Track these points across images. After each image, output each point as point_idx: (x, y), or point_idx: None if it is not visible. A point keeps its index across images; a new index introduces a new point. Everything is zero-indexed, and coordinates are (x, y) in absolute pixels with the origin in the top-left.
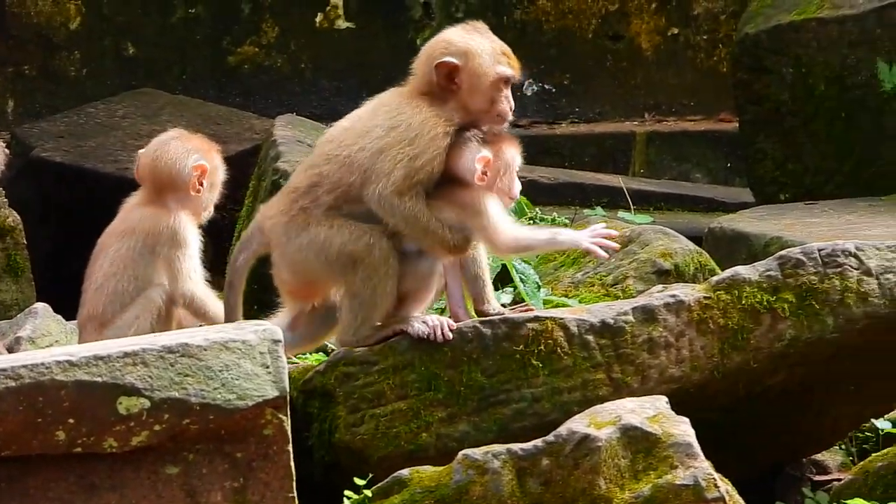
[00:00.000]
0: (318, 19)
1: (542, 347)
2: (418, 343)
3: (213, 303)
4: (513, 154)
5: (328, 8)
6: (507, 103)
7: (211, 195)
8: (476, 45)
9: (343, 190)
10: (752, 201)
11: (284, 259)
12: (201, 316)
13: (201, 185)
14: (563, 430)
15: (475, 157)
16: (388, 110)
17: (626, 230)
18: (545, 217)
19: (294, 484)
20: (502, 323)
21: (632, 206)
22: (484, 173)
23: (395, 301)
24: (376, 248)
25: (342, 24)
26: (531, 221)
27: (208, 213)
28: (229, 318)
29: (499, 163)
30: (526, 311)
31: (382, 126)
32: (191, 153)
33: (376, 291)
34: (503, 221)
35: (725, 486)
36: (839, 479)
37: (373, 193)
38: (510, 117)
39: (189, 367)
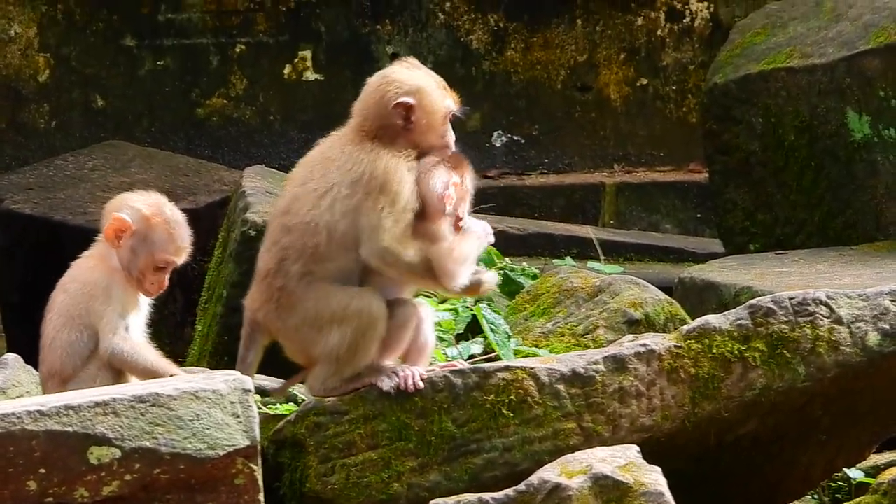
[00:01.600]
0: (286, 71)
1: (513, 397)
2: (389, 393)
3: (145, 356)
4: (471, 180)
5: (296, 60)
6: (451, 135)
7: (134, 258)
8: (425, 82)
9: (310, 253)
10: (722, 252)
11: (287, 340)
12: (133, 371)
13: (118, 240)
14: (534, 479)
15: (447, 182)
16: (342, 164)
17: (597, 280)
18: (515, 267)
19: None
20: (473, 373)
21: (602, 257)
22: (451, 198)
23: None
24: (365, 313)
25: (310, 75)
26: (501, 272)
27: (145, 284)
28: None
29: (462, 188)
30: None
31: (343, 182)
32: (122, 207)
33: (357, 352)
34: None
35: None
36: None
37: (371, 250)
38: (453, 148)
39: (160, 417)
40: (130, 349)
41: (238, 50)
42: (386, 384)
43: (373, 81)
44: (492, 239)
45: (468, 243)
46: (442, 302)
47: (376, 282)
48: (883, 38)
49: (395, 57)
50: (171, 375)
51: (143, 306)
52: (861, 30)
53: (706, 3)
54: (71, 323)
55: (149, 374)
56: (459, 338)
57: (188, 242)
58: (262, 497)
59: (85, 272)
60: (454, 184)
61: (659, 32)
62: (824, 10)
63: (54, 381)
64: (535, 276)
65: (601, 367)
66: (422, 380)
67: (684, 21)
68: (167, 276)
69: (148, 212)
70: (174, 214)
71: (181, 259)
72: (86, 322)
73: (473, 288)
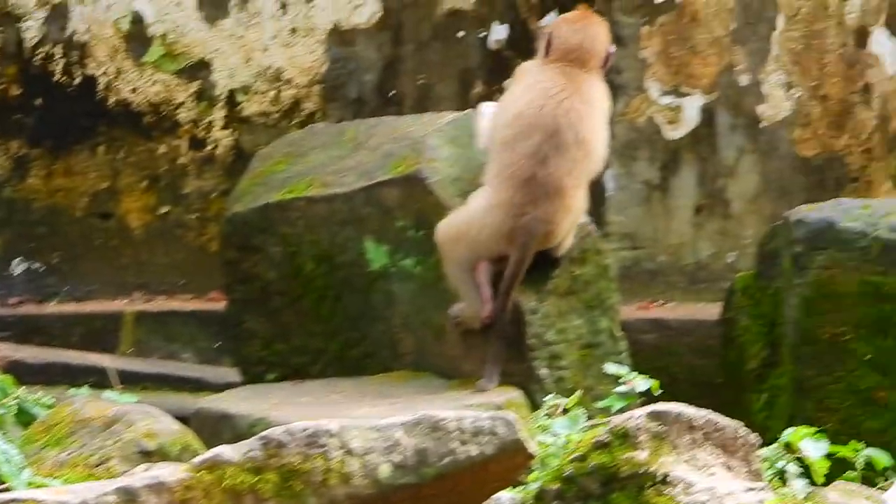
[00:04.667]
0: None
1: None
2: None
3: None
4: None
5: None
6: None
7: None
8: None
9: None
10: (239, 381)
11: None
12: None
13: None
14: None
15: None
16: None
17: (112, 410)
18: (29, 397)
19: None
20: None
21: (118, 386)
22: None
23: None
24: None
25: None
26: (15, 402)
27: None
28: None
29: None
30: None
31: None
32: None
33: None
34: None
35: None
36: None
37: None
38: None
39: None
40: None
41: None
42: None
43: (588, 28)
44: None
45: None
46: None
47: None
48: (401, 167)
49: None
50: None
51: None
52: (380, 159)
53: (229, 131)
54: None
55: None
56: None
57: None
58: None
59: None
60: None
61: (181, 160)
62: (345, 139)
63: None
64: (50, 406)
65: (112, 497)
66: None
67: (207, 149)
68: None
69: None
70: None
71: None
72: None
73: None
